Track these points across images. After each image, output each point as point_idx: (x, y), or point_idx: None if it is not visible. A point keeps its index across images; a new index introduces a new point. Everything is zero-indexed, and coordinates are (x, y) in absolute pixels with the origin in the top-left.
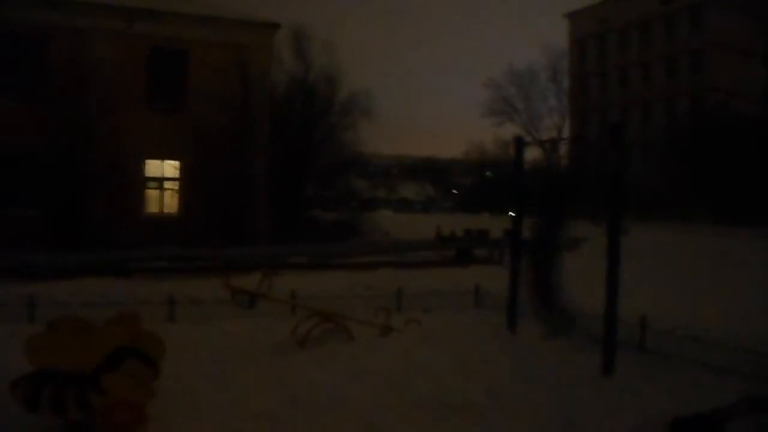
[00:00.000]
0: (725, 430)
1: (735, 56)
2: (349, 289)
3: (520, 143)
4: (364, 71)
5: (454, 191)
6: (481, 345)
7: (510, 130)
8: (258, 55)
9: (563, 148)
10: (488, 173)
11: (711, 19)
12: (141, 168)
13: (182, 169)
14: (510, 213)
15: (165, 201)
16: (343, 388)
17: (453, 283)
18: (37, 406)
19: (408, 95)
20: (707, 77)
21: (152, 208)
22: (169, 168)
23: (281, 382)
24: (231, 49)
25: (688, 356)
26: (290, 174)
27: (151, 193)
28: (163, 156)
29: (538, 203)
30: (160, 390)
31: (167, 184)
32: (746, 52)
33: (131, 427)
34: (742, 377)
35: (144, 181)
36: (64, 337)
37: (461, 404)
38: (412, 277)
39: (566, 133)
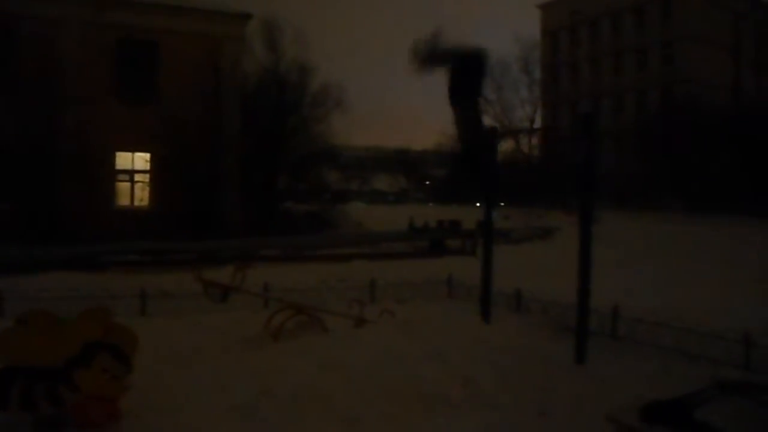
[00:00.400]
0: (695, 414)
1: (705, 48)
2: (322, 281)
3: (492, 134)
4: (337, 62)
5: (427, 182)
6: (455, 335)
7: (483, 121)
8: (230, 46)
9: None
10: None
11: (681, 11)
12: (111, 160)
13: (153, 162)
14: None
15: (136, 194)
16: (318, 380)
17: (426, 274)
18: (7, 403)
19: (381, 86)
20: (677, 68)
21: (123, 201)
22: (140, 160)
23: (255, 375)
24: (202, 40)
25: (659, 343)
26: (262, 166)
27: (122, 186)
28: (133, 148)
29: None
30: (133, 384)
31: (138, 177)
32: (716, 43)
33: (104, 422)
34: (713, 363)
35: (114, 174)
36: (34, 331)
37: (437, 395)
38: (385, 268)
39: (538, 123)
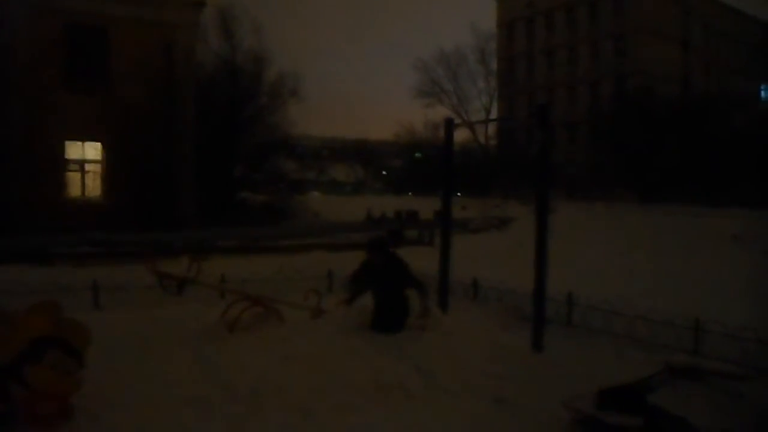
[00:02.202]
0: (648, 398)
1: (656, 41)
2: (279, 272)
3: (449, 125)
4: (293, 52)
5: (384, 173)
6: (412, 324)
7: (440, 112)
8: (183, 34)
9: (491, 129)
10: (418, 154)
11: (633, 5)
12: (60, 150)
13: (104, 151)
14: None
15: (87, 184)
16: (275, 372)
17: None
18: None
19: (337, 77)
20: (629, 61)
21: (73, 191)
22: (91, 150)
23: (212, 368)
24: (155, 28)
25: (613, 330)
26: (218, 156)
27: (72, 176)
28: (83, 137)
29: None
30: (86, 380)
31: (89, 167)
32: (667, 37)
33: (55, 419)
34: (665, 349)
35: (64, 164)
36: None
37: (394, 384)
38: (342, 259)
39: (494, 114)
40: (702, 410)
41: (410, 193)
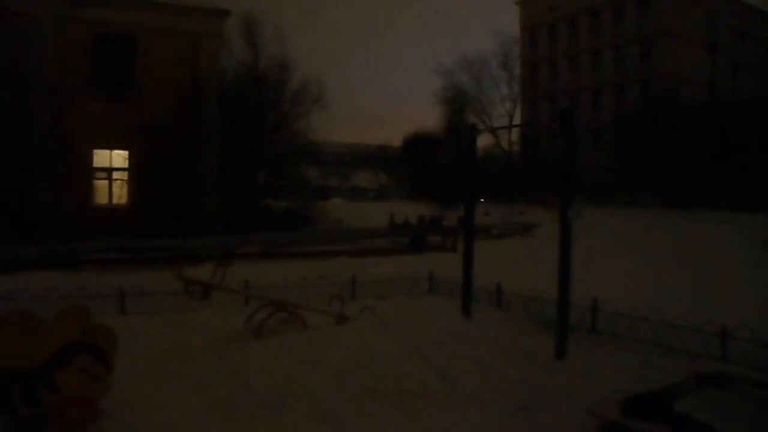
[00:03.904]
0: (675, 406)
1: (681, 44)
2: (303, 278)
3: (472, 131)
4: (316, 59)
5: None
6: (436, 331)
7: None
8: (208, 43)
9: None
10: (442, 161)
11: (658, 8)
12: (88, 157)
13: (131, 159)
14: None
15: (114, 191)
16: (299, 377)
17: (407, 271)
18: None
19: (361, 83)
20: (654, 64)
21: (101, 198)
22: (118, 158)
23: (237, 372)
24: (180, 36)
25: (639, 337)
26: (242, 163)
27: (100, 184)
28: (111, 145)
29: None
30: (114, 384)
31: (116, 174)
32: (692, 40)
33: (84, 422)
34: (692, 356)
35: (92, 172)
36: (11, 332)
37: (417, 391)
38: (366, 265)
39: (517, 119)
40: (730, 418)
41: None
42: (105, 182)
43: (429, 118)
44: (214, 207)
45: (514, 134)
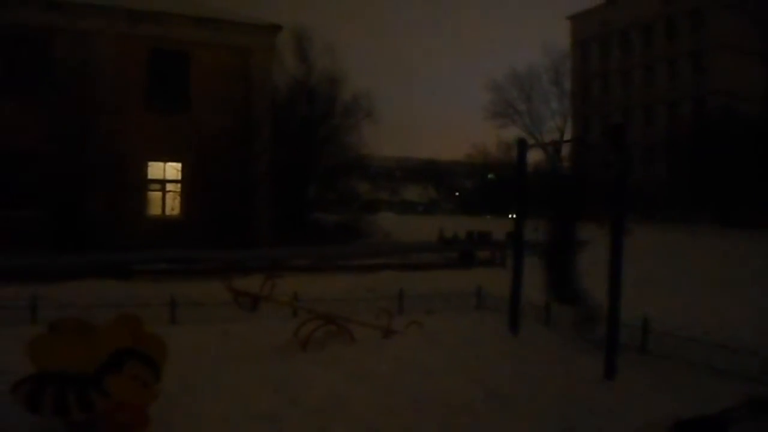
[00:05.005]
0: (728, 431)
1: (736, 57)
2: (351, 291)
3: (522, 145)
4: (367, 73)
5: (457, 193)
6: (483, 347)
7: (513, 132)
8: (260, 57)
9: (566, 150)
10: (491, 175)
11: (711, 21)
12: (143, 169)
13: (184, 171)
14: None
15: (167, 203)
16: (345, 390)
17: (455, 286)
18: (39, 408)
19: (411, 97)
20: (708, 79)
21: (154, 210)
22: (171, 170)
23: (283, 384)
24: (233, 51)
25: (690, 358)
26: (292, 176)
27: (153, 195)
28: (164, 158)
29: (550, 205)
30: (162, 391)
31: (169, 186)
32: (747, 53)
33: (133, 428)
34: (745, 380)
35: (146, 183)
36: (65, 338)
37: (463, 407)
38: (414, 279)
39: (568, 135)
40: None
41: (488, 216)
42: (158, 194)
43: (479, 132)
44: (265, 219)
45: (565, 149)
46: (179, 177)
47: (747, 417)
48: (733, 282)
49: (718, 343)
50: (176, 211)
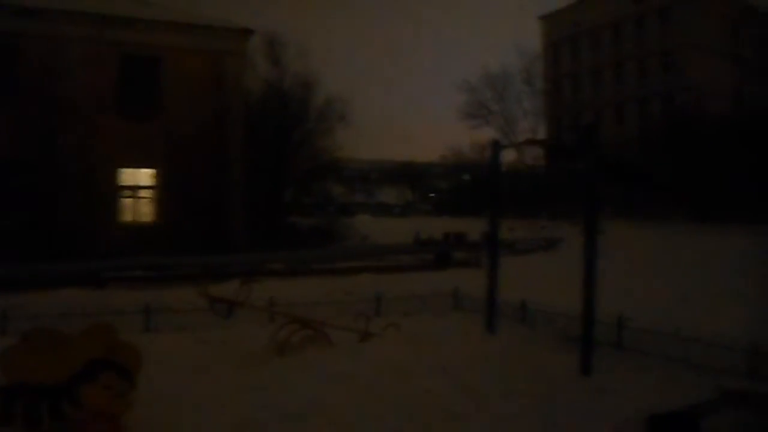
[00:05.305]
0: (701, 425)
1: (705, 56)
2: (328, 294)
3: (496, 146)
4: (340, 76)
5: (432, 195)
6: (461, 347)
7: (486, 134)
8: (232, 62)
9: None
10: (466, 176)
11: (681, 20)
12: (115, 176)
13: (157, 177)
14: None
15: (140, 209)
16: (324, 395)
17: (432, 287)
18: (11, 420)
19: (384, 100)
20: (678, 77)
21: (128, 217)
22: (144, 176)
23: (261, 390)
24: (205, 56)
25: (665, 354)
26: (267, 180)
27: (127, 202)
28: (137, 164)
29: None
30: (137, 401)
31: (142, 193)
32: (715, 51)
33: None
34: (719, 373)
35: (118, 190)
36: (38, 349)
37: (442, 409)
38: (391, 281)
39: (541, 135)
40: None
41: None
42: (131, 200)
43: (453, 133)
44: (240, 224)
45: (538, 149)
46: (153, 183)
47: (719, 409)
48: (704, 277)
49: (692, 337)
50: (150, 218)
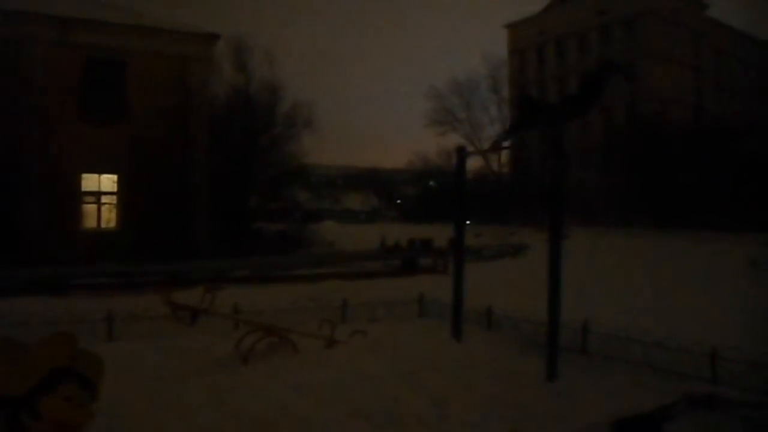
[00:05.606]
0: (665, 428)
1: (667, 66)
2: (293, 301)
3: (462, 153)
4: (306, 82)
5: (399, 201)
6: (427, 354)
7: (453, 140)
8: (198, 66)
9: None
10: (432, 182)
11: (643, 30)
12: (77, 182)
13: (120, 183)
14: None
15: (103, 215)
16: (289, 402)
17: (398, 293)
18: None
19: (351, 106)
20: (641, 86)
21: (89, 223)
22: (107, 182)
23: (226, 398)
24: (170, 60)
25: (630, 358)
26: (233, 186)
27: (89, 208)
28: (100, 169)
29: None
30: (100, 411)
31: (105, 198)
32: (678, 62)
33: None
34: (681, 377)
35: (80, 196)
36: None
37: (409, 415)
38: (357, 287)
39: (507, 142)
40: None
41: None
42: (94, 206)
43: (420, 140)
44: (205, 230)
45: (504, 155)
46: (115, 189)
47: (683, 412)
48: (667, 282)
49: (656, 342)
50: (113, 224)
